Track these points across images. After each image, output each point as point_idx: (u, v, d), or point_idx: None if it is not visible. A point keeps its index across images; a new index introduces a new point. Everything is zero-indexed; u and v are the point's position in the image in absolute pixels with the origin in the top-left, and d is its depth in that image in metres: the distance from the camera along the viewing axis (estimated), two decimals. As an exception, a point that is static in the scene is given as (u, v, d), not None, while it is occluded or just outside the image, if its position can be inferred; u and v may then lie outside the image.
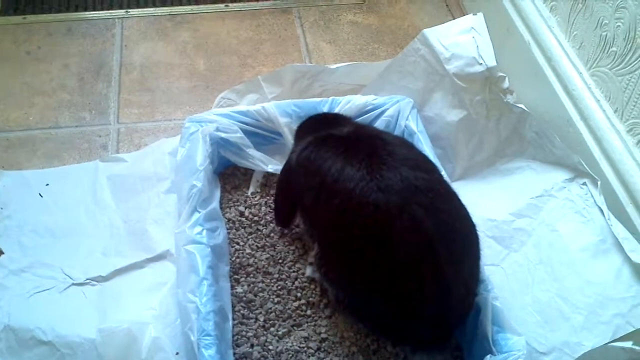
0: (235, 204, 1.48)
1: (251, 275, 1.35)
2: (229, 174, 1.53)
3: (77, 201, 1.51)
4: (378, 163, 1.14)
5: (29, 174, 1.59)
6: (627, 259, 1.21)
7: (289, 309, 1.31)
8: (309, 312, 1.31)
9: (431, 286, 1.10)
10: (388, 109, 1.53)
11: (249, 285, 1.33)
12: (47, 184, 1.55)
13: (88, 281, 1.35)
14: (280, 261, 1.38)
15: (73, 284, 1.34)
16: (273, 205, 1.44)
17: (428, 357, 1.22)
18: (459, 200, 1.19)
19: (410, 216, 1.09)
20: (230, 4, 2.13)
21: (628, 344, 1.14)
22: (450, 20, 1.68)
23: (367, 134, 1.29)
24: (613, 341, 1.14)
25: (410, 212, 1.09)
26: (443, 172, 1.30)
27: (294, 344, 1.25)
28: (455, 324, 1.19)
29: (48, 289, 1.33)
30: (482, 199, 1.31)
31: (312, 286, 1.34)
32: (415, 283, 1.10)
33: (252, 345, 1.24)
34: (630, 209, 1.28)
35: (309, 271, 1.35)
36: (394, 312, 1.15)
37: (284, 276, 1.35)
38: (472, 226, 1.19)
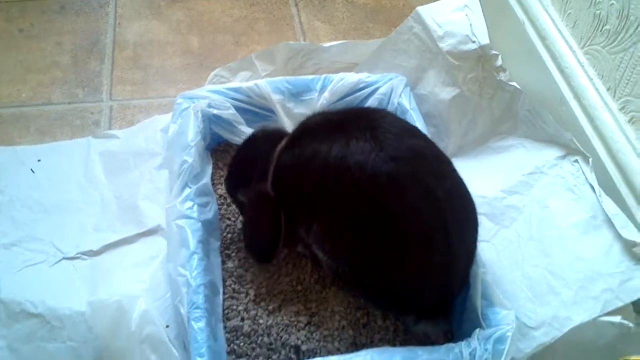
0: (227, 180, 1.47)
1: (242, 251, 1.35)
2: (221, 151, 1.53)
3: (69, 177, 1.51)
4: (383, 133, 1.12)
5: (21, 149, 1.58)
6: (618, 235, 1.21)
7: (279, 284, 1.31)
8: (299, 287, 1.31)
9: (440, 254, 1.10)
10: (381, 86, 1.53)
11: (239, 261, 1.33)
12: (39, 160, 1.54)
13: (79, 255, 1.35)
14: (271, 237, 1.37)
15: (64, 258, 1.35)
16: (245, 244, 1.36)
17: (432, 326, 1.22)
18: (455, 168, 1.20)
19: (423, 185, 1.09)
20: (224, -17, 2.13)
21: (617, 319, 1.14)
22: (446, -1, 1.68)
23: (354, 112, 1.29)
24: (602, 316, 1.15)
25: (422, 181, 1.09)
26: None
27: (284, 318, 1.25)
28: (457, 292, 1.20)
29: (39, 263, 1.33)
30: (474, 177, 1.30)
31: (303, 262, 1.34)
32: (426, 251, 1.10)
33: (242, 319, 1.25)
34: (621, 186, 1.28)
35: (300, 247, 1.34)
36: (401, 281, 1.15)
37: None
38: (469, 193, 1.19)
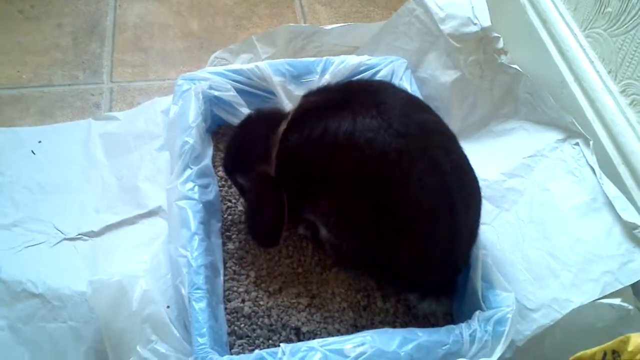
0: (228, 162, 1.47)
1: (243, 233, 1.35)
2: (222, 133, 1.52)
3: (69, 158, 1.52)
4: (390, 109, 1.12)
5: (22, 131, 1.58)
6: (618, 217, 1.21)
7: (280, 266, 1.31)
8: (300, 269, 1.31)
9: (445, 229, 1.12)
10: (382, 69, 1.52)
11: (240, 242, 1.33)
12: (40, 141, 1.55)
13: (80, 236, 1.36)
14: (272, 219, 1.37)
15: (65, 239, 1.35)
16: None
17: (436, 305, 1.23)
18: (459, 144, 1.20)
19: (431, 159, 1.10)
20: (225, -35, 2.12)
21: (616, 301, 1.14)
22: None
23: (356, 87, 1.28)
24: (602, 298, 1.15)
25: (430, 155, 1.10)
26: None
27: (285, 300, 1.26)
28: (461, 267, 1.21)
29: (40, 243, 1.34)
30: (475, 160, 1.30)
31: (304, 244, 1.34)
32: (432, 225, 1.12)
33: (243, 301, 1.25)
34: (621, 169, 1.28)
35: (301, 229, 1.35)
36: (407, 256, 1.16)
37: (275, 233, 1.35)
38: (473, 170, 1.20)
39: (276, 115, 1.28)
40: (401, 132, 1.09)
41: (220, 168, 1.44)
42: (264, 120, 1.30)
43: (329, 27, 1.70)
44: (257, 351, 1.08)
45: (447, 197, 1.11)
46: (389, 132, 1.09)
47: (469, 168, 1.19)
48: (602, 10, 1.37)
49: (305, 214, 1.26)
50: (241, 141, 1.32)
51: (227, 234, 1.35)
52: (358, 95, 1.20)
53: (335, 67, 1.51)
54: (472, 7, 1.49)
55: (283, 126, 1.23)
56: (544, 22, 1.53)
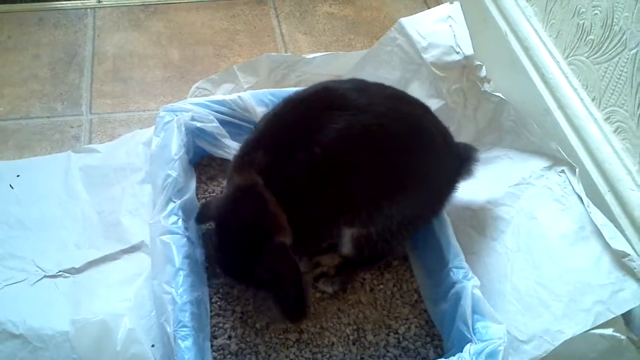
0: (211, 194, 1.45)
1: (228, 267, 1.33)
2: (204, 165, 1.51)
3: (49, 193, 1.48)
4: (351, 102, 1.17)
5: (0, 165, 1.55)
6: (607, 245, 1.21)
7: (266, 300, 1.29)
8: (287, 303, 1.29)
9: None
10: (365, 98, 1.51)
11: (225, 277, 1.31)
12: (18, 175, 1.51)
13: (61, 273, 1.32)
14: (257, 253, 1.35)
15: (45, 276, 1.31)
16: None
17: None
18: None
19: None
20: (204, -6, 2.11)
21: (609, 331, 1.14)
22: (426, 11, 1.67)
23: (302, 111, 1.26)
24: (594, 328, 1.14)
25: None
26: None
27: (273, 336, 1.23)
28: None
29: (19, 282, 1.30)
30: (460, 189, 1.30)
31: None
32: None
33: (229, 337, 1.23)
34: (608, 197, 1.28)
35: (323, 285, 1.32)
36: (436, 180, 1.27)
37: (261, 268, 1.33)
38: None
39: (253, 202, 1.19)
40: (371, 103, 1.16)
41: (204, 201, 1.42)
42: (245, 210, 1.20)
43: (310, 56, 1.69)
44: (245, 390, 1.06)
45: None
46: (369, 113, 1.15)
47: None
48: (584, 37, 1.38)
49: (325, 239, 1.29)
50: (236, 246, 1.21)
51: (211, 268, 1.32)
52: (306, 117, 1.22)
53: (318, 97, 1.49)
54: (454, 35, 1.49)
55: (269, 201, 1.16)
56: (526, 49, 1.53)
